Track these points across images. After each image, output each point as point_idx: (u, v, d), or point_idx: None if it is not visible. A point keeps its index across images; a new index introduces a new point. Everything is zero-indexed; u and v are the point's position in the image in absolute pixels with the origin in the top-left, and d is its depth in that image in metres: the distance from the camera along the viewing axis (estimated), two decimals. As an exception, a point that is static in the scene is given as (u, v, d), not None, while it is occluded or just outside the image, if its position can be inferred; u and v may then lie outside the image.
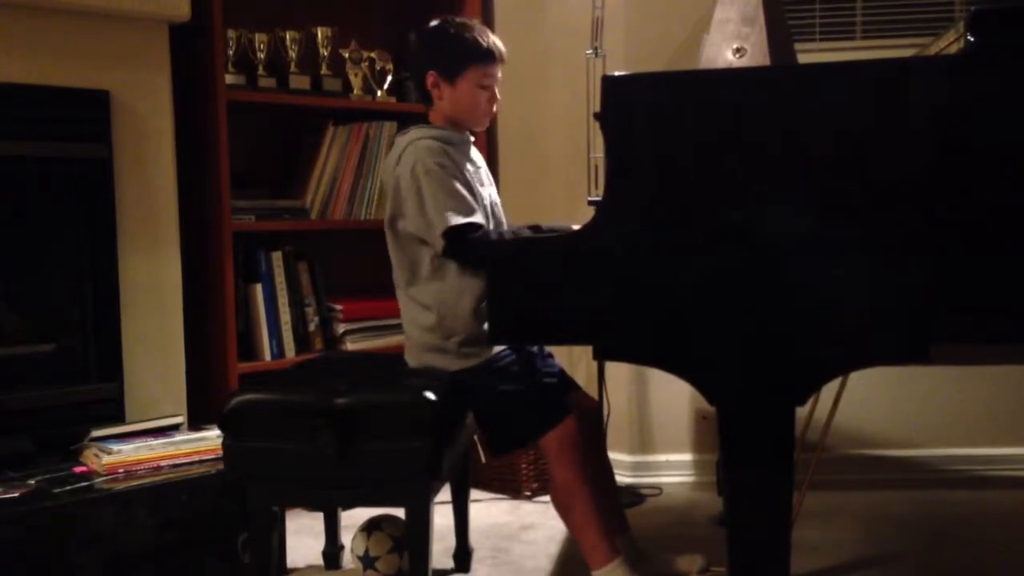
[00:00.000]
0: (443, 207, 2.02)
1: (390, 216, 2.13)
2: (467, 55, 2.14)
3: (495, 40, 2.17)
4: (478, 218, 2.04)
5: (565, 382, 2.25)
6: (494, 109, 2.21)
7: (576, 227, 2.20)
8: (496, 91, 2.19)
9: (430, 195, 2.03)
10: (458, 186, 2.05)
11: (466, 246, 2.02)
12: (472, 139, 2.25)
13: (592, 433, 2.28)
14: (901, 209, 1.55)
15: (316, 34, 3.07)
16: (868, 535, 2.61)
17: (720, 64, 2.24)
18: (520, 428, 2.09)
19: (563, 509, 2.09)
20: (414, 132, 2.14)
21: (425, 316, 2.10)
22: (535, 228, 2.16)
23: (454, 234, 2.02)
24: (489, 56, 2.14)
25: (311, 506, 2.71)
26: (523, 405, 2.07)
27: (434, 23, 2.21)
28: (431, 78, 2.16)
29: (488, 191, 2.21)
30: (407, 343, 2.18)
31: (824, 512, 2.74)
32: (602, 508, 2.08)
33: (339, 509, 2.40)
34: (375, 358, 2.70)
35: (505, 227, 2.21)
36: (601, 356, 1.77)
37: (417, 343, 2.14)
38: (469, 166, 2.15)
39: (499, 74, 2.19)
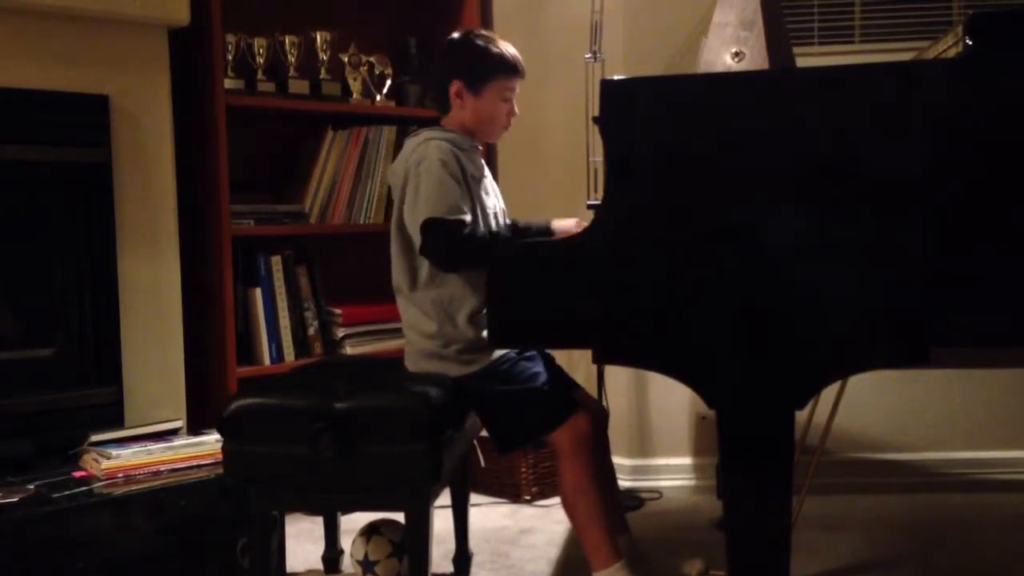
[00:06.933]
0: (429, 200, 2.01)
1: (397, 218, 2.12)
2: (493, 67, 2.15)
3: (518, 55, 2.19)
4: (464, 218, 2.02)
5: (568, 382, 2.25)
6: (511, 122, 2.22)
7: (555, 221, 2.22)
8: (515, 105, 2.20)
9: (423, 188, 2.02)
10: (453, 184, 2.03)
11: (427, 241, 2.00)
12: (479, 147, 2.24)
13: (597, 434, 2.28)
14: (899, 212, 1.55)
15: (315, 38, 3.07)
16: (867, 538, 2.61)
17: (719, 68, 2.25)
18: (529, 421, 2.08)
19: (570, 507, 2.09)
20: (426, 132, 2.14)
21: (426, 323, 2.10)
22: (513, 225, 2.16)
23: (431, 227, 2.00)
24: (514, 69, 2.16)
25: (311, 510, 2.71)
26: (531, 401, 2.06)
27: (460, 33, 2.21)
28: (455, 86, 2.15)
29: (493, 201, 2.20)
30: (407, 348, 2.18)
31: (823, 515, 2.74)
32: (608, 509, 2.08)
33: (339, 513, 2.39)
34: (374, 362, 2.70)
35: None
36: (601, 360, 1.77)
37: (417, 348, 2.14)
38: (475, 173, 2.14)
39: (518, 88, 2.20)
